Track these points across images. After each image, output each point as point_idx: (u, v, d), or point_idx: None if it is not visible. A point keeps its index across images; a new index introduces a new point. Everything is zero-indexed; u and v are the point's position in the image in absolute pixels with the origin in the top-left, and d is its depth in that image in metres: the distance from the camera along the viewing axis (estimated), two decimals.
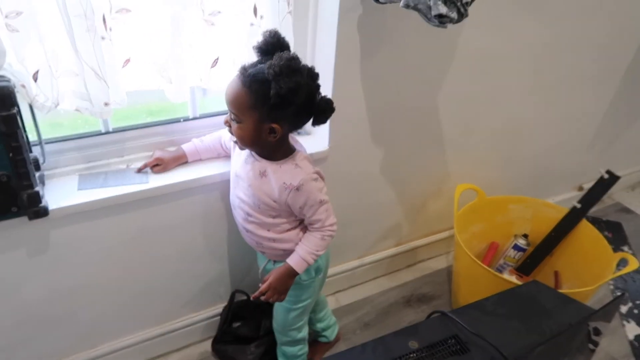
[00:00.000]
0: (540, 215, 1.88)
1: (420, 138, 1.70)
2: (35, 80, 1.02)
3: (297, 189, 1.13)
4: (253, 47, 1.07)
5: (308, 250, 1.21)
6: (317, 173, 1.18)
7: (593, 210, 1.76)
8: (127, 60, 1.14)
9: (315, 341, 1.65)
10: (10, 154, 0.99)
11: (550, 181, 2.28)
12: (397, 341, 1.02)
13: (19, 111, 0.99)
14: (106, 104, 1.11)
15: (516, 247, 1.89)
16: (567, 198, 2.33)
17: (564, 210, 1.80)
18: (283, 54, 1.00)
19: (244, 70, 1.04)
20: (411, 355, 0.99)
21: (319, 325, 1.61)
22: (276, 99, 1.00)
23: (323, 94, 1.12)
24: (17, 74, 0.99)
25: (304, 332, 1.45)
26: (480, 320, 1.09)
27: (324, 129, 1.46)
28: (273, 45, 1.05)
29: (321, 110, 1.12)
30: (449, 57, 1.54)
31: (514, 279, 1.73)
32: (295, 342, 1.45)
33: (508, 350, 0.97)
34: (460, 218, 1.74)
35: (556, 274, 1.84)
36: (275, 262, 1.30)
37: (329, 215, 1.21)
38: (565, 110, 2.02)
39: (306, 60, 1.42)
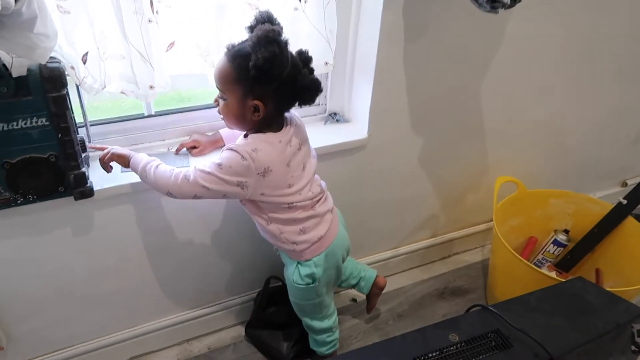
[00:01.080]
0: (583, 211, 1.82)
1: (461, 128, 1.66)
2: (84, 62, 1.03)
3: (228, 149, 1.06)
4: (245, 27, 1.05)
5: (155, 167, 1.08)
6: (254, 157, 1.04)
7: (639, 207, 1.69)
8: (172, 44, 1.15)
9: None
10: (59, 135, 1.00)
11: (593, 176, 2.20)
12: (438, 333, 1.00)
13: (67, 92, 1.01)
14: (151, 87, 1.12)
15: (556, 243, 1.83)
16: (610, 194, 2.26)
17: (609, 206, 1.74)
18: (264, 26, 0.98)
19: (232, 47, 1.04)
20: (451, 348, 0.97)
21: (352, 282, 1.57)
22: (255, 70, 0.98)
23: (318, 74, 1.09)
24: (67, 55, 1.01)
25: (327, 323, 1.41)
26: (522, 315, 1.06)
27: (363, 117, 1.44)
28: (263, 24, 1.02)
29: (305, 88, 1.06)
30: (495, 45, 1.50)
31: (554, 275, 1.68)
32: (321, 331, 1.42)
33: (552, 347, 0.94)
34: (499, 211, 1.70)
35: (598, 271, 1.78)
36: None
37: (204, 177, 1.05)
38: (611, 103, 1.95)
39: (348, 46, 1.40)
